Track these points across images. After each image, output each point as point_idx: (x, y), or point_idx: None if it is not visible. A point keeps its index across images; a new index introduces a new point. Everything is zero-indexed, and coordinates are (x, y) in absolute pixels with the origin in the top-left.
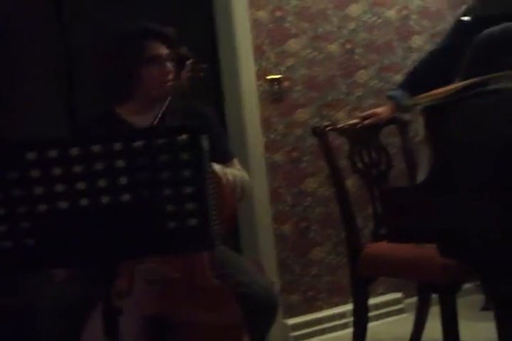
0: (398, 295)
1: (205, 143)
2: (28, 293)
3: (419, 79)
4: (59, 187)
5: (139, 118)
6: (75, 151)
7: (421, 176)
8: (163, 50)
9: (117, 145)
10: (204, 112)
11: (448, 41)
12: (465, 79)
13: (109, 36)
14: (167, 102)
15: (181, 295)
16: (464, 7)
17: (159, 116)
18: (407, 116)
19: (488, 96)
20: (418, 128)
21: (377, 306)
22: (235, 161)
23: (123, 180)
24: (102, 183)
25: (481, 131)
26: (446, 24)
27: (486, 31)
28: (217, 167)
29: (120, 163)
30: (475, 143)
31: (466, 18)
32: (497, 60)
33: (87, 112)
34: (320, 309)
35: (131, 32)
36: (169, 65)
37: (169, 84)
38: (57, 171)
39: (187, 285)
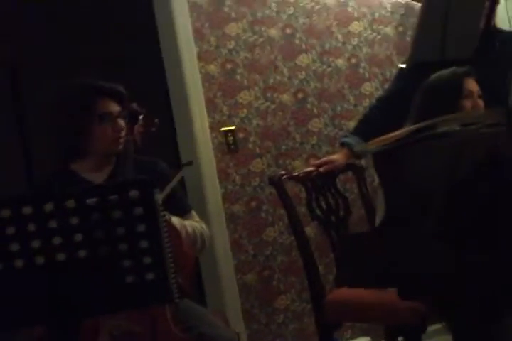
0: (366, 339)
1: (157, 196)
2: None
3: (370, 124)
4: (13, 246)
5: (94, 175)
6: (27, 210)
7: (379, 219)
8: (115, 108)
9: (70, 203)
10: (157, 166)
11: (392, 87)
12: (415, 123)
13: (60, 94)
14: (121, 158)
15: None
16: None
17: (114, 171)
18: (362, 162)
19: (436, 139)
20: (374, 173)
21: None
22: (193, 213)
23: (78, 237)
24: (57, 240)
25: (429, 174)
26: (395, 70)
27: (434, 76)
28: (175, 219)
29: (74, 220)
30: (423, 187)
31: (403, 66)
32: (447, 103)
33: (43, 171)
34: None
35: (81, 90)
36: (121, 122)
37: (121, 140)
38: (10, 230)
39: (150, 339)
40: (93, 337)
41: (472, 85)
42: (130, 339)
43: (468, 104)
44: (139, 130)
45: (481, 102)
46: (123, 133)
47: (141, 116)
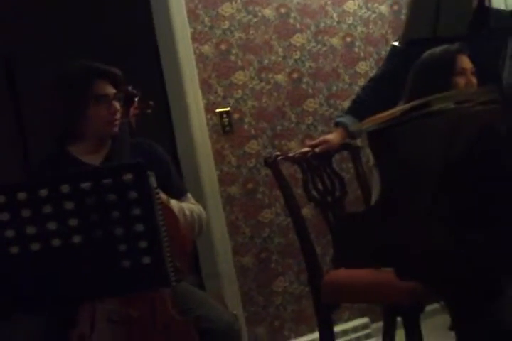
0: (365, 320)
1: (152, 180)
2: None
3: (364, 104)
4: (8, 233)
5: (90, 157)
6: (22, 196)
7: (374, 199)
8: (110, 90)
9: (65, 188)
10: (152, 148)
11: (385, 66)
12: (408, 102)
13: (56, 76)
14: (117, 140)
15: (144, 333)
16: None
17: (110, 154)
18: (358, 142)
19: (430, 117)
20: (369, 152)
21: (344, 332)
22: (189, 195)
23: (73, 222)
24: (52, 226)
25: (423, 152)
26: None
27: (426, 54)
28: (173, 202)
29: (69, 205)
30: (418, 165)
31: (396, 43)
32: (439, 81)
33: (39, 153)
34: (287, 339)
35: (77, 72)
36: (116, 105)
37: (117, 123)
38: (5, 216)
39: (149, 322)
40: (91, 323)
41: (465, 62)
42: (128, 323)
43: (461, 81)
44: (134, 112)
45: (474, 79)
46: (118, 115)
47: (136, 99)
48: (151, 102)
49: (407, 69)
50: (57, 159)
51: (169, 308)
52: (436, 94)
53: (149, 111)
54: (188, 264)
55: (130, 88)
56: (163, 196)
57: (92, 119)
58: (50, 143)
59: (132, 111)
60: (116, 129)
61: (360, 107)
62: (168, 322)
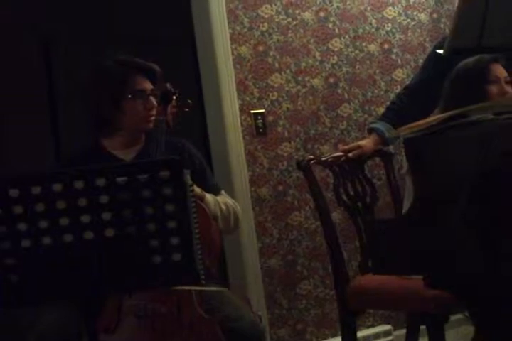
0: (387, 327)
1: (187, 177)
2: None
3: (399, 111)
4: (42, 223)
5: (123, 152)
6: (57, 187)
7: (406, 208)
8: (148, 85)
9: (100, 181)
10: (186, 147)
11: (425, 74)
12: (443, 111)
13: (95, 69)
14: (151, 137)
15: (170, 329)
16: (439, 40)
17: (143, 150)
18: (391, 149)
19: (467, 127)
20: (402, 160)
21: (366, 338)
22: (223, 193)
23: (107, 216)
24: (85, 219)
25: (458, 162)
26: None
27: (461, 63)
28: (208, 196)
29: (103, 199)
30: (453, 175)
31: (441, 51)
32: (473, 90)
33: (74, 146)
34: None
35: (116, 65)
36: (153, 100)
37: (152, 118)
38: (40, 207)
39: (175, 319)
40: (117, 317)
41: (499, 71)
42: (156, 319)
43: (494, 89)
44: (171, 110)
45: (509, 88)
46: (154, 111)
47: (174, 97)
48: (190, 101)
49: (443, 78)
50: (91, 152)
51: (196, 306)
52: (470, 102)
53: (187, 110)
54: (216, 263)
55: (169, 86)
56: (197, 190)
57: (128, 114)
58: (85, 136)
59: (170, 109)
60: (151, 125)
61: (395, 114)
62: (193, 320)
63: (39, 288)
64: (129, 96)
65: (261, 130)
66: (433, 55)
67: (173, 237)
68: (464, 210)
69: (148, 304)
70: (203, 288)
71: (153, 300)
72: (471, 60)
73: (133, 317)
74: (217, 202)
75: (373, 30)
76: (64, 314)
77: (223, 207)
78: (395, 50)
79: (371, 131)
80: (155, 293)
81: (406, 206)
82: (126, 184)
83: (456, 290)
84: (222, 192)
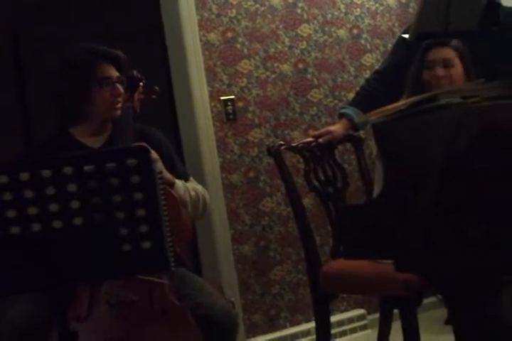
0: (361, 311)
1: (154, 164)
2: None
3: (368, 96)
4: (10, 213)
5: (91, 140)
6: (25, 176)
7: (376, 191)
8: (113, 72)
9: (68, 170)
10: (154, 134)
11: (394, 58)
12: (411, 96)
13: (60, 58)
14: (118, 124)
15: (142, 317)
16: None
17: (110, 137)
18: (361, 134)
19: (436, 111)
20: (372, 144)
21: (340, 323)
22: (192, 179)
23: (75, 204)
24: (53, 208)
25: (428, 146)
26: None
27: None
28: (178, 181)
29: (71, 187)
30: (422, 159)
31: (406, 36)
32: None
33: (41, 134)
34: (283, 327)
35: (80, 54)
36: (119, 87)
37: (119, 106)
38: (7, 196)
39: (147, 307)
40: (88, 305)
41: (435, 55)
42: (127, 307)
43: (428, 74)
44: (138, 97)
45: (444, 71)
46: (121, 98)
47: (141, 83)
48: (157, 88)
49: (409, 62)
50: (59, 140)
51: (167, 294)
52: (412, 89)
53: (154, 96)
54: (187, 250)
55: (135, 72)
56: (168, 176)
57: (95, 101)
58: (53, 126)
59: (137, 96)
60: (118, 112)
61: (365, 99)
62: (165, 308)
63: (7, 278)
64: (96, 84)
65: (231, 116)
66: (401, 39)
67: (142, 225)
68: (435, 195)
69: (120, 292)
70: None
71: (125, 288)
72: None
73: (105, 305)
74: (186, 188)
75: (342, 15)
76: (35, 302)
77: (192, 193)
78: (364, 35)
79: (341, 116)
80: (127, 281)
81: (376, 191)
82: (94, 172)
83: (426, 273)
84: (191, 178)
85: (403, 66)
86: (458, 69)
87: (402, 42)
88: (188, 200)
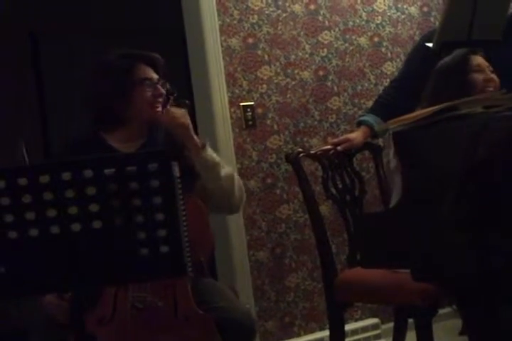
0: (375, 320)
1: (175, 169)
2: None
3: (386, 105)
4: (29, 215)
5: (124, 146)
6: (45, 179)
7: (394, 201)
8: (153, 74)
9: (88, 173)
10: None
11: (411, 67)
12: (429, 104)
13: (98, 62)
14: (153, 132)
15: (165, 323)
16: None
17: (145, 144)
18: (380, 142)
19: (457, 121)
20: (390, 153)
21: (354, 332)
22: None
23: (94, 207)
24: (72, 210)
25: (447, 156)
26: None
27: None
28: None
29: (91, 190)
30: (442, 169)
31: (430, 45)
32: (456, 79)
33: (63, 140)
34: (297, 335)
35: (120, 57)
36: (161, 88)
37: (159, 108)
38: (27, 198)
39: (171, 314)
40: (112, 308)
41: (479, 60)
42: (152, 312)
43: (479, 77)
44: None
45: (494, 76)
46: (161, 99)
47: (172, 97)
48: (188, 101)
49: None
50: (90, 144)
51: (191, 301)
52: (456, 93)
53: (184, 110)
54: (209, 259)
55: (168, 86)
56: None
57: (136, 102)
58: (74, 126)
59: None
60: (159, 113)
61: (383, 107)
62: (188, 315)
63: (26, 280)
64: (137, 85)
65: (250, 122)
66: (419, 48)
67: (161, 229)
68: (453, 206)
69: (147, 296)
70: None
71: (153, 294)
72: (453, 53)
73: (131, 308)
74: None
75: (363, 23)
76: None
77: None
78: (384, 43)
79: (360, 123)
80: (153, 287)
81: (394, 199)
82: (114, 176)
83: (444, 283)
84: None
85: (419, 74)
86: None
87: (419, 51)
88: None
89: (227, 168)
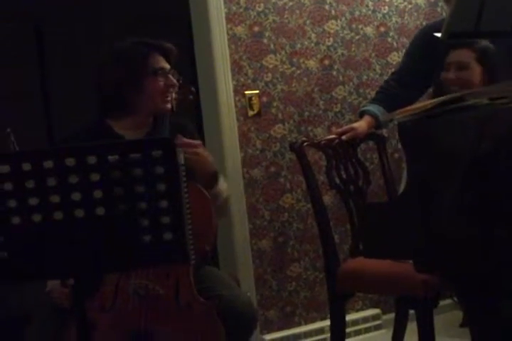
0: (376, 311)
1: (180, 157)
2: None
3: (388, 95)
4: (33, 200)
5: (131, 133)
6: (48, 164)
7: (400, 191)
8: (166, 64)
9: (92, 159)
10: (188, 126)
11: (407, 59)
12: (435, 96)
13: (112, 50)
14: (159, 120)
15: (167, 311)
16: (426, 23)
17: (150, 133)
18: (384, 132)
19: (463, 112)
20: (395, 143)
21: (355, 322)
22: (221, 177)
23: (98, 194)
24: (76, 197)
25: (452, 146)
26: None
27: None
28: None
29: (95, 177)
30: (447, 159)
31: (438, 35)
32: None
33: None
34: (297, 325)
35: (133, 46)
36: (172, 79)
37: (169, 98)
38: (30, 184)
39: (173, 301)
40: (113, 295)
41: (452, 58)
42: (154, 299)
43: (444, 75)
44: (175, 97)
45: (459, 74)
46: (173, 89)
47: (179, 84)
48: (193, 88)
49: (429, 62)
50: (97, 132)
51: (193, 289)
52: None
53: (191, 97)
54: (212, 248)
55: (175, 72)
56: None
57: (148, 91)
58: (78, 119)
59: (174, 95)
60: (168, 106)
61: (385, 98)
62: (191, 303)
63: (28, 265)
64: (150, 74)
65: (255, 111)
66: (419, 39)
67: (164, 216)
68: (458, 194)
69: (149, 284)
70: None
71: (154, 281)
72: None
73: (133, 295)
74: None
75: (370, 12)
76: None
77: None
78: (391, 33)
79: (363, 113)
80: (154, 274)
81: (401, 189)
82: (118, 162)
83: (445, 274)
84: (221, 176)
85: (418, 66)
86: (473, 71)
87: (418, 42)
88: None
89: (225, 191)
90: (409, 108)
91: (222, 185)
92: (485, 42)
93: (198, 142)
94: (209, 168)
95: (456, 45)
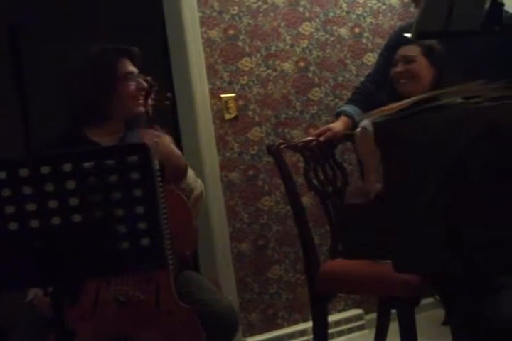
0: (358, 311)
1: (155, 162)
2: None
3: (363, 96)
4: (9, 209)
5: (105, 139)
6: (24, 172)
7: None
8: (134, 68)
9: (67, 166)
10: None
11: (379, 60)
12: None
13: (80, 57)
14: (131, 124)
15: (148, 317)
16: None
17: (122, 138)
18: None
19: (437, 111)
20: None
21: (337, 323)
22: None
23: (74, 201)
24: (52, 204)
25: (427, 147)
26: None
27: None
28: (191, 173)
29: (70, 184)
30: (422, 159)
31: (408, 35)
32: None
33: (45, 135)
34: (280, 327)
35: (101, 52)
36: (142, 82)
37: (141, 101)
38: (6, 192)
39: (153, 307)
40: (93, 302)
41: (402, 52)
42: (135, 306)
43: (393, 71)
44: (151, 103)
45: (399, 67)
46: (144, 93)
47: (154, 89)
48: (169, 94)
49: None
50: (71, 139)
51: (173, 294)
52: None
53: (168, 102)
54: (193, 253)
55: (150, 79)
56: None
57: (120, 96)
58: (56, 124)
59: (150, 101)
60: (141, 109)
61: (360, 99)
62: (171, 308)
63: (5, 275)
64: (120, 79)
65: (231, 114)
66: (392, 40)
67: (141, 222)
68: (431, 194)
69: (130, 290)
70: None
71: (135, 287)
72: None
73: (113, 302)
74: (196, 178)
75: (344, 14)
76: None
77: (199, 184)
78: (365, 34)
79: (340, 114)
80: (134, 280)
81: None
82: (94, 169)
83: (423, 272)
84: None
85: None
86: (420, 64)
87: (390, 44)
88: (197, 188)
89: (197, 189)
90: (384, 108)
91: (193, 179)
92: (432, 41)
93: (158, 133)
94: (174, 160)
95: (402, 43)
